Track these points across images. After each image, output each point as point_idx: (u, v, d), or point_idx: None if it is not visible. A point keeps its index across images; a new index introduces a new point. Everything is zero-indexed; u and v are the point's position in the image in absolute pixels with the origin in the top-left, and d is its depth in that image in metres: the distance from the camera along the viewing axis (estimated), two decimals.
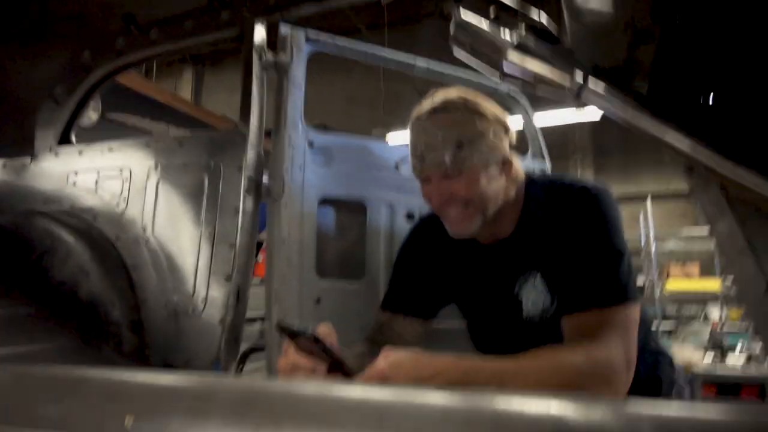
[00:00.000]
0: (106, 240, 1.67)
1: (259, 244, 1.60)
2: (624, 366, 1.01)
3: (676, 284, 6.28)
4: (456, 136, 1.09)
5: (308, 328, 0.83)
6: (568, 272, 1.10)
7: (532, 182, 1.22)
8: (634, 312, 1.07)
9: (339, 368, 0.87)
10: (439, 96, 1.15)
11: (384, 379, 0.84)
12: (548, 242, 1.14)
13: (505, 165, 1.16)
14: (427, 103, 1.15)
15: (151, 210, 1.62)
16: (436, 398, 0.52)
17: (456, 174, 1.11)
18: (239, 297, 1.45)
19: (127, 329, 1.55)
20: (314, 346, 0.84)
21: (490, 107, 1.15)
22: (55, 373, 0.74)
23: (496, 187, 1.14)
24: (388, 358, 0.87)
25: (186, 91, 9.13)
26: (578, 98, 0.75)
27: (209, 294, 1.50)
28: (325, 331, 0.91)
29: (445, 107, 1.13)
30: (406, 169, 1.22)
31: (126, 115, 4.20)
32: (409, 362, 0.87)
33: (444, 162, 1.09)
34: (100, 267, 1.62)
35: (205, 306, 1.51)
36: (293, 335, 0.86)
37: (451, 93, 1.15)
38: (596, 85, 0.73)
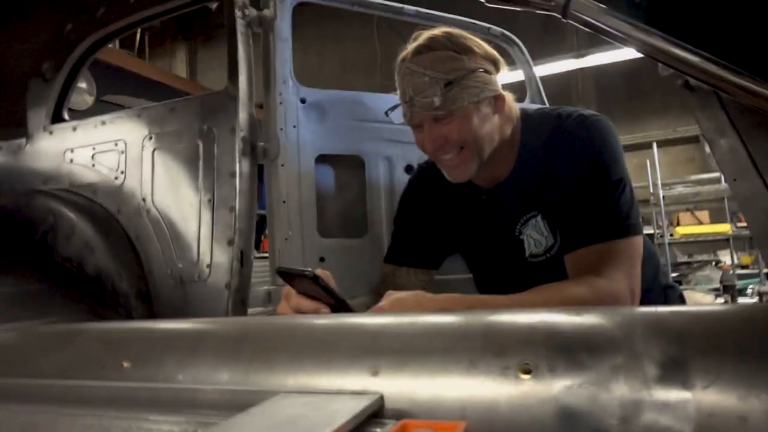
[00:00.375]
0: (108, 214, 1.67)
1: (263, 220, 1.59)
2: (629, 298, 1.00)
3: (686, 230, 6.25)
4: (443, 76, 1.06)
5: (308, 269, 0.82)
6: (567, 208, 1.08)
7: (527, 117, 1.19)
8: (637, 243, 1.05)
9: (342, 308, 0.86)
10: (423, 35, 1.11)
11: None
12: (546, 179, 1.12)
13: (498, 102, 1.12)
14: (412, 44, 1.11)
15: (149, 180, 1.61)
16: (427, 318, 0.51)
17: (447, 116, 1.08)
18: (243, 260, 1.45)
19: (136, 299, 1.57)
20: (315, 287, 0.83)
21: (477, 42, 1.11)
22: (55, 329, 0.74)
23: (490, 127, 1.11)
24: (390, 297, 0.87)
25: (181, 70, 9.02)
26: (566, 14, 0.71)
27: (213, 260, 1.50)
28: (324, 272, 0.91)
29: (430, 46, 1.09)
30: (397, 117, 1.19)
31: (122, 97, 4.17)
32: (412, 300, 0.86)
33: (434, 104, 1.06)
34: (105, 241, 1.62)
35: (210, 272, 1.51)
36: (294, 277, 0.85)
37: (436, 31, 1.11)
38: None
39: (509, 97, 1.16)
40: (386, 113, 1.26)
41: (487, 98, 1.10)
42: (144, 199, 1.59)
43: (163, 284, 1.55)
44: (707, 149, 7.06)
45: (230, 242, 1.44)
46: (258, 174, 1.48)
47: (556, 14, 0.76)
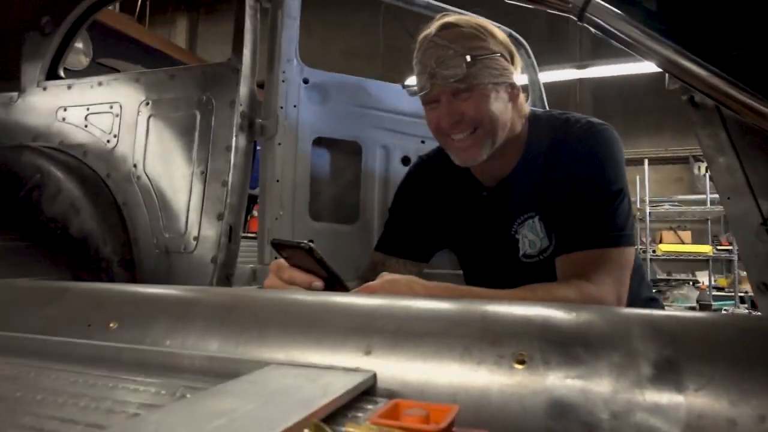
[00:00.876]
0: (97, 177, 1.65)
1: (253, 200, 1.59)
2: (615, 305, 1.02)
3: (669, 247, 6.35)
4: (468, 51, 1.06)
5: (303, 241, 0.81)
6: (565, 212, 1.08)
7: (535, 118, 1.20)
8: (629, 254, 1.06)
9: (335, 282, 0.86)
10: (446, 17, 1.13)
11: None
12: (548, 181, 1.12)
13: (514, 91, 1.14)
14: (436, 23, 1.13)
15: (142, 146, 1.59)
16: (422, 303, 0.51)
17: (467, 91, 1.08)
18: (232, 236, 1.44)
19: (119, 266, 1.55)
20: (310, 260, 0.83)
21: (498, 31, 1.14)
22: (42, 284, 0.73)
23: (505, 113, 1.12)
24: (383, 277, 0.87)
25: (180, 40, 8.89)
26: (582, 17, 0.71)
27: (201, 232, 1.49)
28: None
29: (456, 23, 1.10)
30: (414, 93, 1.18)
31: (118, 61, 4.09)
32: (404, 283, 0.86)
33: (456, 76, 1.06)
34: (91, 204, 1.60)
35: (196, 244, 1.49)
36: (287, 249, 0.85)
37: (458, 16, 1.13)
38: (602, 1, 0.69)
39: (522, 95, 1.17)
40: (403, 86, 1.24)
41: (505, 84, 1.11)
42: (135, 165, 1.57)
43: (148, 253, 1.53)
44: (696, 171, 7.14)
45: (220, 216, 1.42)
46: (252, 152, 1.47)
47: (571, 16, 0.76)
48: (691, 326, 0.41)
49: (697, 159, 6.77)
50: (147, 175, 1.56)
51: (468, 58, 1.06)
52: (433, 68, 1.08)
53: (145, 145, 1.56)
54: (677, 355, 0.38)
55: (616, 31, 0.76)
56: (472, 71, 1.06)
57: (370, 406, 0.37)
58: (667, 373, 0.37)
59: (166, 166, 1.53)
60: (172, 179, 1.52)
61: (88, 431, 0.35)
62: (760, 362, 0.36)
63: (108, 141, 1.62)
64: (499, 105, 1.10)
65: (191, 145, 1.50)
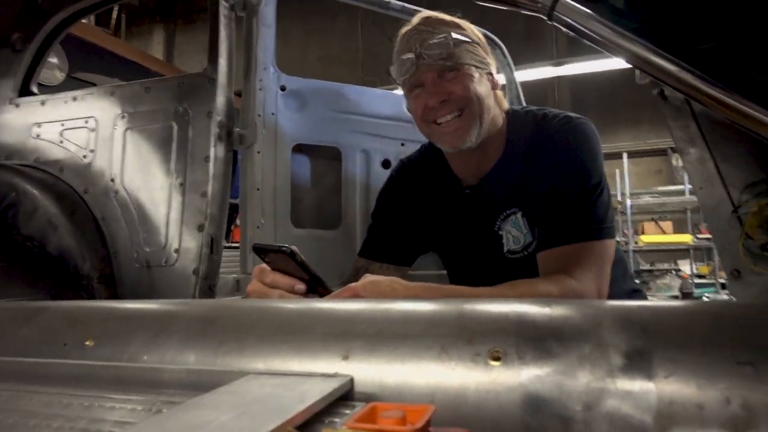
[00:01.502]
0: (74, 193, 1.62)
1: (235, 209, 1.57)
2: (596, 298, 1.03)
3: (650, 238, 6.45)
4: (451, 34, 1.09)
5: (285, 245, 0.81)
6: (545, 207, 1.09)
7: (514, 114, 1.22)
8: (609, 246, 1.08)
9: (317, 285, 0.86)
10: (425, 13, 1.17)
11: (357, 297, 0.83)
12: (528, 177, 1.14)
13: (494, 81, 1.17)
14: (416, 18, 1.16)
15: (119, 160, 1.57)
16: (401, 305, 0.52)
17: (453, 70, 1.10)
18: (213, 247, 1.43)
19: (99, 282, 1.53)
20: (291, 264, 0.82)
21: (474, 28, 1.17)
22: (16, 305, 0.72)
23: (489, 99, 1.14)
24: (366, 279, 0.87)
25: (157, 52, 8.81)
26: (551, 16, 0.72)
27: (182, 245, 1.47)
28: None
29: (437, 15, 1.14)
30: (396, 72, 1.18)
31: (94, 75, 4.05)
32: (386, 284, 0.86)
33: (443, 54, 1.08)
34: (68, 221, 1.57)
35: (177, 257, 1.48)
36: (269, 253, 0.84)
37: (437, 12, 1.18)
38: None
39: (500, 90, 1.20)
40: (388, 72, 1.24)
41: (487, 73, 1.14)
42: (113, 180, 1.55)
43: (129, 268, 1.51)
44: (674, 162, 7.25)
45: (200, 228, 1.41)
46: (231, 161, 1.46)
47: (541, 16, 0.77)
48: (662, 315, 0.42)
49: (674, 151, 6.88)
50: (125, 189, 1.54)
51: (453, 35, 1.09)
52: (418, 50, 1.10)
53: (123, 158, 1.55)
54: (648, 344, 0.38)
55: (585, 29, 0.78)
56: (457, 51, 1.09)
57: (347, 411, 0.38)
58: (638, 362, 0.37)
59: (144, 180, 1.52)
60: (150, 192, 1.51)
61: None
62: (727, 346, 0.37)
63: (84, 156, 1.60)
64: (483, 88, 1.13)
65: (169, 157, 1.49)
